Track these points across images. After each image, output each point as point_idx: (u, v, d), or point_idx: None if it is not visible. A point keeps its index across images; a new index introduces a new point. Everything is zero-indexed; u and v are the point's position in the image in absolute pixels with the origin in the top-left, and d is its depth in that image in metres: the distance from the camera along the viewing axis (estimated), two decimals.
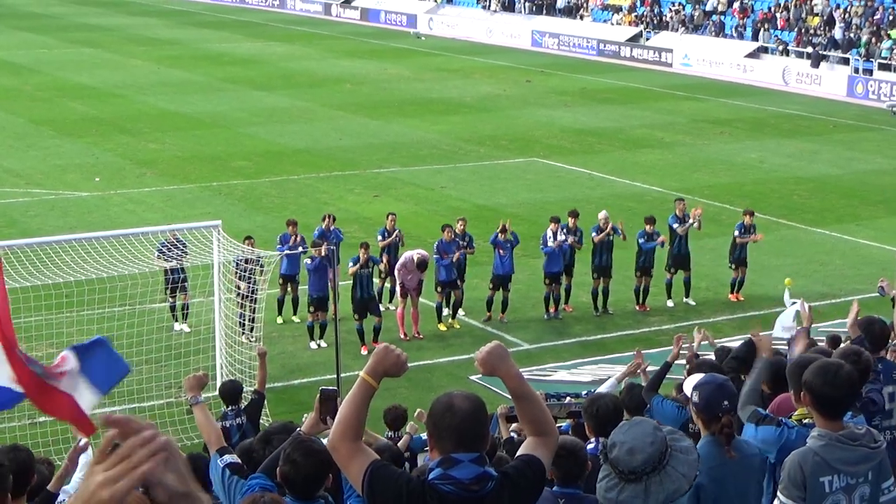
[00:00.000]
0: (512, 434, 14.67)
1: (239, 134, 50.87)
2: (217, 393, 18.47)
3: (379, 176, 43.03)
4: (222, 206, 37.26)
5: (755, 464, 8.90)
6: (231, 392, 17.73)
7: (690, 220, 29.77)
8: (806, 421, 8.48)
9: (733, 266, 30.61)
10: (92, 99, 59.19)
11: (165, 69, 69.86)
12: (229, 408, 17.50)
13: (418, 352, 26.48)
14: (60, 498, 10.46)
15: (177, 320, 27.40)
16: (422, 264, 27.41)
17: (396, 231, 29.07)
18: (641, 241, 29.41)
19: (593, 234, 29.30)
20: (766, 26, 74.34)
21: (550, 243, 28.75)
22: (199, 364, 24.16)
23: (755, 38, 74.23)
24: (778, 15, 74.54)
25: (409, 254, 27.69)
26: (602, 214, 29.58)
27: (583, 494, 9.64)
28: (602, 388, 14.38)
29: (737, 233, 30.42)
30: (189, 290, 27.07)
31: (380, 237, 29.08)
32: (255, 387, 18.04)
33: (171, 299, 27.34)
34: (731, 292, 30.60)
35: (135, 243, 24.54)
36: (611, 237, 29.26)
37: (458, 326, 28.38)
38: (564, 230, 28.96)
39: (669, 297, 29.94)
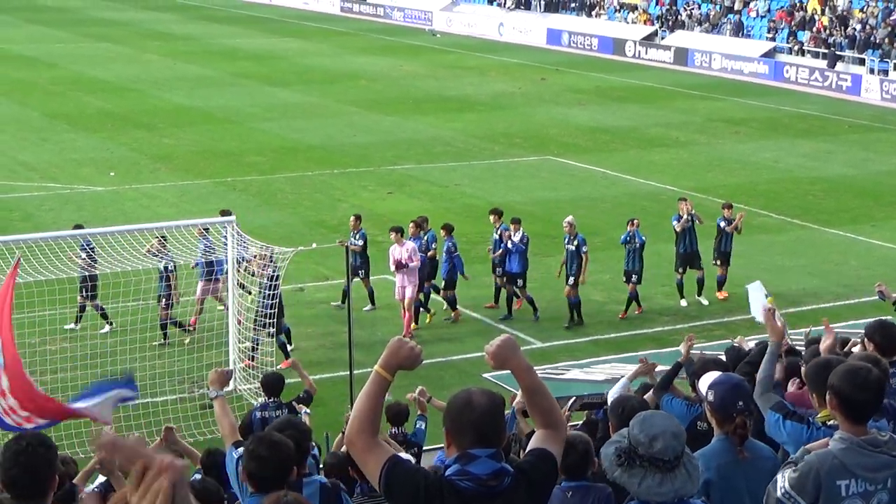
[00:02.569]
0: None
1: (253, 129, 50.90)
2: (257, 384, 18.56)
3: (393, 173, 43.01)
4: (236, 202, 37.24)
5: (768, 466, 8.87)
6: (273, 384, 17.76)
7: (735, 224, 29.69)
8: (830, 423, 8.42)
9: (718, 262, 30.21)
10: (107, 93, 59.26)
11: (180, 64, 69.94)
12: (270, 399, 17.54)
13: (432, 349, 26.44)
14: (82, 495, 10.45)
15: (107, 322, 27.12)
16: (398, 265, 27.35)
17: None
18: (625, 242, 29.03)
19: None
20: (781, 25, 74.22)
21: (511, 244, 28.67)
22: (213, 360, 24.19)
23: (771, 37, 74.10)
24: (794, 14, 74.38)
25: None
26: (568, 219, 28.93)
27: (590, 485, 9.67)
28: (614, 389, 14.33)
29: (722, 224, 30.16)
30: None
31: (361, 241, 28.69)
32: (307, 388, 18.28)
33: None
34: (718, 290, 30.26)
35: (149, 238, 24.56)
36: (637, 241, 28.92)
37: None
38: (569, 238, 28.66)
39: (682, 296, 29.79)
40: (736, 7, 78.61)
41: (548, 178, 42.97)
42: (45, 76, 64.26)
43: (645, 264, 29.20)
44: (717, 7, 79.50)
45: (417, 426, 16.55)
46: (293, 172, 42.71)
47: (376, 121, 53.33)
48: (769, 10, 76.82)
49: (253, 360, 24.52)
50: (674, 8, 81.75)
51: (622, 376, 21.44)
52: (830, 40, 69.83)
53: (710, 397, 8.92)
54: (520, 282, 28.63)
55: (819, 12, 73.44)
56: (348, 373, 23.04)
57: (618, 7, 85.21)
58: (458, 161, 45.35)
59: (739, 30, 75.98)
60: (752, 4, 78.03)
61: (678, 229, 29.71)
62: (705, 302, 29.76)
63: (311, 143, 48.28)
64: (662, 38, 79.07)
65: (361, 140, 48.97)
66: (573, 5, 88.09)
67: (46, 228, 31.10)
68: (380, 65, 71.31)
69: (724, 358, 14.00)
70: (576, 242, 28.20)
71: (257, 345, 24.65)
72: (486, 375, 24.52)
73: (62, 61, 69.97)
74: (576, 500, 9.71)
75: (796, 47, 71.58)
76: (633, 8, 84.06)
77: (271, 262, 25.29)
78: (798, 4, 75.09)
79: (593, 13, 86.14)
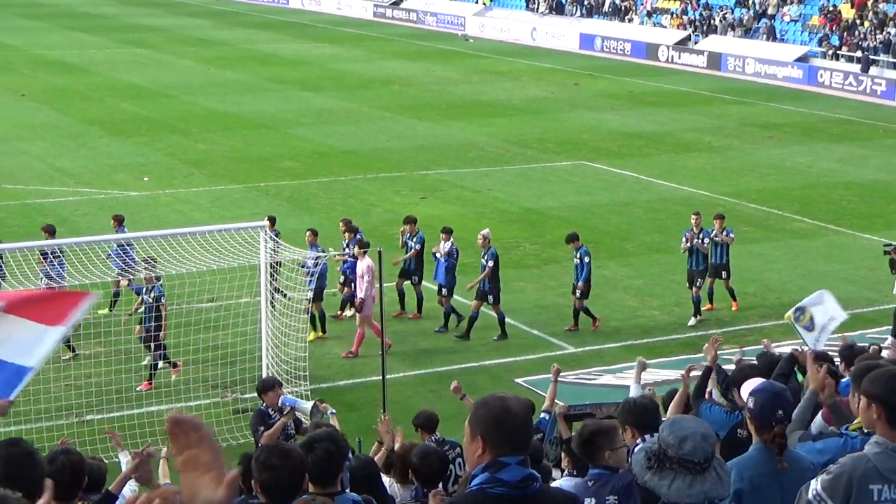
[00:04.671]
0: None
1: (287, 135, 51.05)
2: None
3: (426, 178, 43.07)
4: (270, 207, 37.31)
5: (807, 477, 8.81)
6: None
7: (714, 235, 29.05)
8: (867, 430, 8.37)
9: (711, 275, 29.27)
10: (142, 99, 59.55)
11: (215, 70, 70.21)
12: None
13: (463, 354, 26.49)
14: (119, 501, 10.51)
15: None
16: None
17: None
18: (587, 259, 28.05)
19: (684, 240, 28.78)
20: (815, 30, 73.98)
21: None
22: (245, 364, 24.30)
23: (805, 41, 73.88)
24: (828, 18, 74.13)
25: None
26: (483, 232, 28.29)
27: (611, 473, 9.72)
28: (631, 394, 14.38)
29: (717, 236, 29.19)
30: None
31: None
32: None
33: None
34: (710, 301, 29.56)
35: (182, 243, 24.67)
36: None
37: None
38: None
39: (697, 313, 29.05)
40: (769, 11, 78.38)
41: (581, 183, 42.95)
42: (82, 82, 64.61)
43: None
44: (751, 11, 79.28)
45: None
46: (326, 177, 42.82)
47: (409, 126, 53.41)
48: (802, 15, 76.57)
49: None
50: (707, 13, 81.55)
51: (653, 382, 21.49)
52: (865, 45, 69.55)
53: (751, 404, 8.90)
54: (444, 291, 28.08)
55: (854, 17, 73.14)
56: (381, 378, 23.10)
57: (650, 12, 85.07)
58: (491, 166, 45.37)
59: (773, 34, 75.74)
60: (785, 9, 77.79)
61: (682, 250, 29.26)
62: (692, 322, 28.81)
63: (345, 148, 48.38)
64: (695, 43, 78.90)
65: (394, 145, 49.05)
66: (606, 10, 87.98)
67: (81, 233, 31.28)
68: (413, 70, 71.41)
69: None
70: (487, 256, 27.59)
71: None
72: (518, 380, 24.57)
73: (99, 67, 70.35)
74: (596, 488, 9.75)
75: (830, 52, 71.31)
76: (667, 12, 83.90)
77: (303, 266, 25.43)
78: (832, 9, 74.82)
79: (626, 18, 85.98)
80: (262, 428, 16.93)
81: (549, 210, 38.84)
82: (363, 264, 26.25)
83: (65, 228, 34.19)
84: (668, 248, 32.20)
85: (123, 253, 25.92)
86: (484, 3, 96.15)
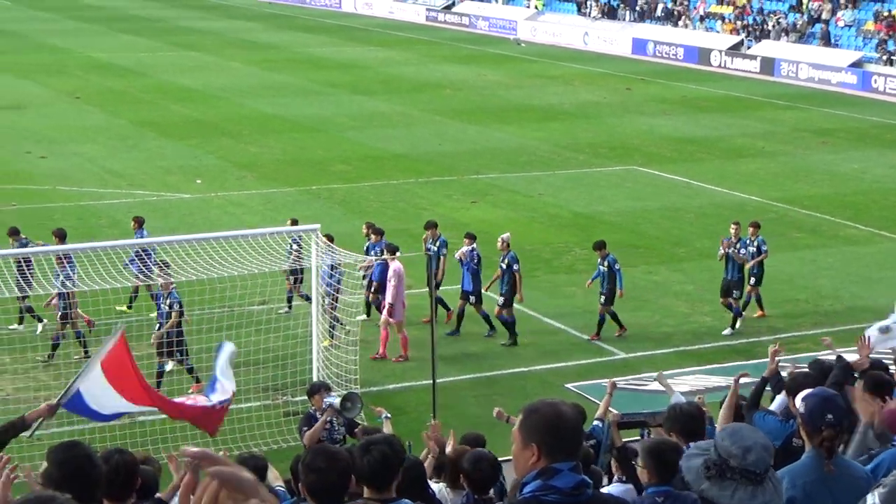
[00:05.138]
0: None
1: (339, 138, 51.17)
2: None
3: (477, 182, 43.06)
4: (321, 210, 37.47)
5: (860, 485, 8.74)
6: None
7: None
8: None
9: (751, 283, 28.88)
10: (194, 102, 59.85)
11: (267, 73, 70.48)
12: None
13: (513, 358, 26.47)
14: None
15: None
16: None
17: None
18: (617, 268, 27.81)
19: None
20: (870, 35, 73.50)
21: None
22: (297, 367, 24.35)
23: (859, 47, 73.42)
24: (883, 24, 73.63)
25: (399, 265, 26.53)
26: (504, 236, 28.07)
27: (677, 492, 9.63)
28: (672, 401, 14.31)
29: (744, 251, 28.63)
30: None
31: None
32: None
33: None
34: (760, 308, 29.22)
35: (235, 246, 24.76)
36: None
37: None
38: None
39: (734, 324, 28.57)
40: (823, 16, 77.92)
41: (632, 189, 42.83)
42: (135, 85, 65.00)
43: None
44: (805, 16, 78.86)
45: None
46: (378, 181, 42.89)
47: (461, 130, 53.42)
48: (857, 20, 76.07)
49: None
50: (760, 17, 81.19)
51: (703, 388, 21.38)
52: None
53: (802, 409, 8.86)
54: (472, 298, 27.80)
55: None
56: (431, 382, 23.10)
57: (703, 16, 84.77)
58: (543, 170, 45.32)
59: (827, 39, 75.28)
60: (840, 14, 77.32)
61: (718, 258, 29.04)
62: (727, 332, 28.41)
63: (396, 151, 48.45)
64: (748, 48, 78.55)
65: (446, 149, 49.08)
66: (659, 15, 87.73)
67: (134, 235, 31.45)
68: (464, 74, 71.44)
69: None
70: (507, 261, 27.39)
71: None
72: (568, 385, 24.53)
73: (151, 70, 70.75)
74: None
75: (885, 57, 70.81)
76: (720, 17, 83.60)
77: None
78: (888, 14, 74.31)
79: (679, 23, 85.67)
80: (305, 428, 17.08)
81: (600, 215, 38.76)
82: (391, 269, 26.16)
83: (117, 231, 34.40)
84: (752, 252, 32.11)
85: (141, 259, 25.95)
86: (536, 8, 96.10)
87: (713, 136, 53.24)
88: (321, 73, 70.36)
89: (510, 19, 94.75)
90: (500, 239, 27.85)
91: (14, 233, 28.17)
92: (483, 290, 27.70)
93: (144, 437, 20.69)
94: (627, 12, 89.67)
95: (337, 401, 16.30)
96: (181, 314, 24.05)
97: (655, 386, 24.35)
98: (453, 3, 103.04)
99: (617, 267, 27.62)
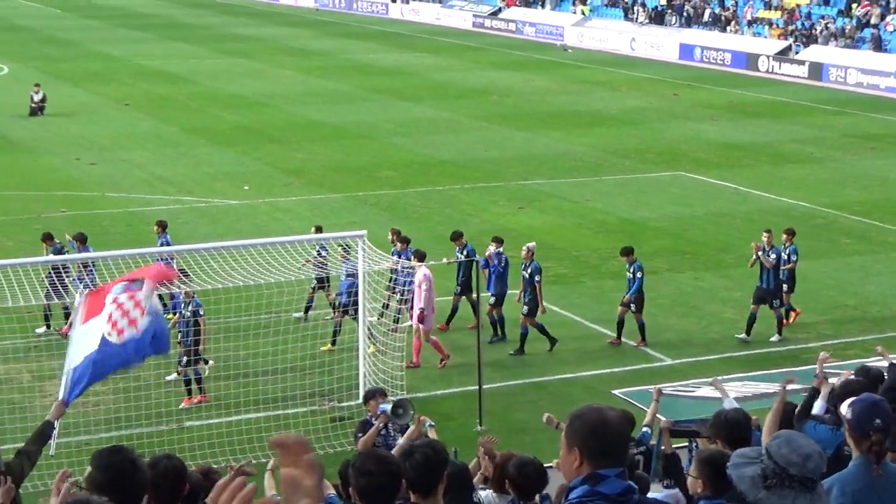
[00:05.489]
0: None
1: (385, 144, 51.27)
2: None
3: (523, 188, 43.05)
4: (368, 216, 37.56)
5: None
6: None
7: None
8: None
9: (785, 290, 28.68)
10: (242, 108, 60.12)
11: (314, 79, 70.71)
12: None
13: (559, 365, 26.45)
14: None
15: None
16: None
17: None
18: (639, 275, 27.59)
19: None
20: None
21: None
22: (343, 373, 24.43)
23: None
24: None
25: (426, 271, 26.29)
26: (530, 245, 27.85)
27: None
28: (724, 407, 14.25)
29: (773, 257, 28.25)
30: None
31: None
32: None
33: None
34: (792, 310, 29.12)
35: (282, 252, 24.87)
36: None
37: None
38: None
39: (747, 331, 28.15)
40: (872, 21, 77.48)
41: (679, 194, 42.71)
42: (184, 92, 65.36)
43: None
44: (854, 21, 78.42)
45: None
46: (424, 187, 42.94)
47: (507, 136, 53.43)
48: None
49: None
50: (808, 22, 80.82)
51: (752, 395, 21.31)
52: None
53: (848, 415, 8.82)
54: (492, 300, 27.69)
55: None
56: (477, 388, 23.13)
57: (751, 21, 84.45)
58: (589, 176, 45.26)
59: (878, 44, 74.82)
60: (889, 18, 76.84)
61: (749, 265, 28.82)
62: (775, 338, 28.13)
63: (443, 157, 48.50)
64: (797, 53, 78.15)
65: (492, 155, 49.09)
66: (706, 20, 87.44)
67: (181, 241, 31.63)
68: (511, 80, 71.44)
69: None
70: (529, 270, 27.15)
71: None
72: (615, 391, 24.48)
73: (200, 77, 71.12)
74: None
75: None
76: (768, 22, 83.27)
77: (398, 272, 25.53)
78: None
79: (728, 28, 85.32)
80: (360, 434, 17.10)
81: (646, 221, 38.67)
82: (420, 274, 26.00)
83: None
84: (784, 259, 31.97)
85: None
86: (583, 13, 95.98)
87: (761, 141, 53.01)
88: (368, 80, 70.52)
89: (557, 25, 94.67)
90: (525, 247, 27.70)
91: (48, 238, 28.28)
92: (516, 301, 27.52)
93: (192, 442, 20.80)
94: (675, 17, 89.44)
95: (389, 407, 16.34)
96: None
97: (704, 392, 24.34)
98: (500, 10, 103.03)
99: (639, 275, 27.39)
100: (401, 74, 73.29)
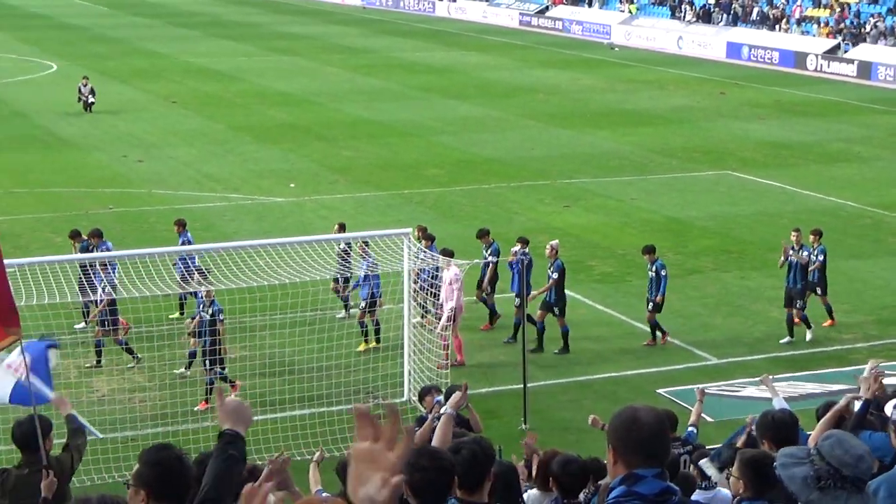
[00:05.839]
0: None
1: (431, 142, 51.30)
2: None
3: (570, 186, 42.98)
4: (414, 214, 37.57)
5: None
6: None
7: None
8: None
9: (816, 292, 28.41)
10: (289, 106, 60.30)
11: (361, 77, 70.83)
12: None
13: (605, 364, 26.41)
14: None
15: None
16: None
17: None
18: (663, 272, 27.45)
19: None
20: None
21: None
22: (388, 371, 24.48)
23: None
24: None
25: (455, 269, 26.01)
26: (553, 243, 27.65)
27: None
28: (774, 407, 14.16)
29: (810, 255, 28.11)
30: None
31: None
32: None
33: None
34: (829, 317, 28.73)
35: (327, 249, 24.93)
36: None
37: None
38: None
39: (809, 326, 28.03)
40: None
41: (726, 193, 42.54)
42: (231, 90, 65.62)
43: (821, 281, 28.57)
44: None
45: None
46: (470, 185, 42.94)
47: (554, 134, 53.36)
48: None
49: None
50: (857, 21, 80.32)
51: (798, 395, 21.21)
52: None
53: (894, 416, 8.78)
54: (517, 301, 27.33)
55: None
56: (522, 386, 23.12)
57: (800, 20, 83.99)
58: (635, 175, 45.15)
59: None
60: None
61: (779, 265, 28.55)
62: (785, 340, 27.74)
63: (489, 156, 48.48)
64: (845, 52, 77.68)
65: (539, 153, 49.04)
66: (754, 19, 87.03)
67: (227, 238, 31.80)
68: (558, 78, 71.35)
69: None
70: (553, 268, 26.87)
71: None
72: (660, 391, 24.42)
73: (247, 75, 71.38)
74: None
75: None
76: (816, 21, 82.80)
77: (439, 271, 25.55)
78: None
79: (777, 27, 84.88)
80: (417, 430, 17.12)
81: (692, 220, 38.54)
82: (450, 273, 25.81)
83: (212, 234, 34.77)
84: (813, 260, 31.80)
85: (185, 264, 26.05)
86: (630, 12, 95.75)
87: (808, 140, 52.73)
88: (415, 78, 70.60)
89: (604, 24, 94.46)
90: (548, 246, 27.53)
91: (75, 235, 28.41)
92: (529, 299, 27.32)
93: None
94: (722, 16, 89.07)
95: (443, 398, 16.35)
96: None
97: (749, 392, 24.25)
98: (547, 8, 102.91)
99: (664, 273, 27.27)
100: (447, 72, 73.32)
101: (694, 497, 12.16)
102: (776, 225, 37.79)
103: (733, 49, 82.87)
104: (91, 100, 57.14)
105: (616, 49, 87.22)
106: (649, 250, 27.72)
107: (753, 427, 13.92)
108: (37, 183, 42.64)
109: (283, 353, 25.04)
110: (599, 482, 11.74)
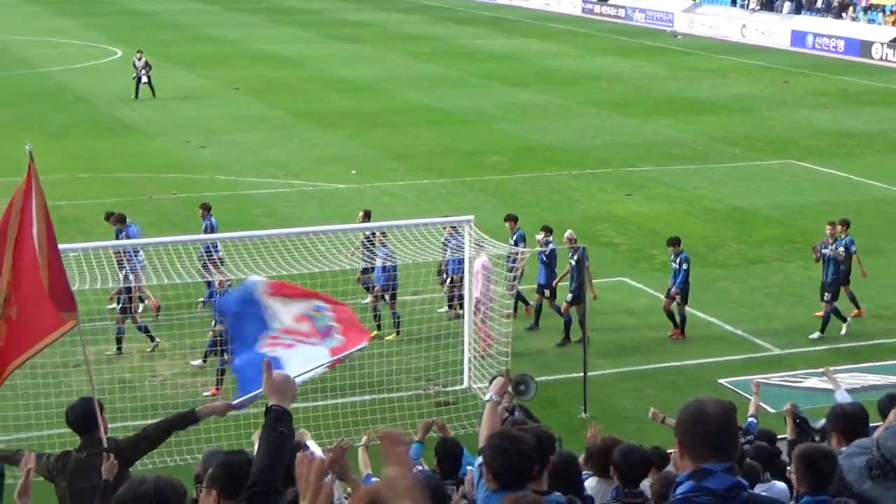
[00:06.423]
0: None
1: (493, 130, 51.24)
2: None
3: (631, 175, 42.82)
4: (475, 202, 37.56)
5: None
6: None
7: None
8: None
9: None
10: (351, 93, 60.40)
11: (422, 64, 70.85)
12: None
13: (664, 353, 26.30)
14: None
15: None
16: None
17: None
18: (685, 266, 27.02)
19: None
20: None
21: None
22: (448, 358, 24.50)
23: None
24: None
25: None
26: (568, 234, 27.11)
27: (832, 500, 9.43)
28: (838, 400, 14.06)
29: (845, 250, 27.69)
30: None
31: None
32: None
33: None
34: (856, 307, 28.33)
35: (389, 237, 24.96)
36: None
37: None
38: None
39: (843, 320, 27.63)
40: None
41: (789, 183, 42.25)
42: (294, 76, 65.83)
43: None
44: None
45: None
46: (531, 173, 42.86)
47: (615, 122, 53.18)
48: None
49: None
50: None
51: (860, 387, 21.04)
52: None
53: None
54: (547, 293, 27.41)
55: None
56: (582, 375, 23.08)
57: (866, 8, 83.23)
58: (698, 164, 44.92)
59: None
60: None
61: (815, 260, 28.15)
62: (815, 336, 27.41)
63: (551, 143, 48.39)
64: None
65: (600, 141, 48.89)
66: (819, 7, 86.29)
67: (289, 224, 31.89)
68: (620, 66, 71.06)
69: None
70: (576, 258, 26.41)
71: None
72: (721, 381, 24.30)
73: (310, 61, 71.58)
74: None
75: None
76: (882, 9, 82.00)
77: (509, 260, 25.50)
78: None
79: (843, 14, 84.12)
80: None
81: (756, 209, 38.30)
82: (478, 263, 25.59)
83: (274, 220, 34.91)
84: (878, 251, 31.51)
85: (208, 252, 26.08)
86: (693, 0, 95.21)
87: (874, 130, 52.25)
88: (476, 65, 70.54)
89: (667, 11, 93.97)
90: (565, 237, 27.05)
91: (119, 220, 28.38)
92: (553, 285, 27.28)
93: (297, 424, 20.90)
94: (786, 4, 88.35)
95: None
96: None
97: (811, 383, 24.09)
98: None
99: (685, 266, 26.87)
100: (509, 60, 73.21)
101: (763, 488, 12.08)
102: (840, 214, 37.33)
103: (797, 37, 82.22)
104: (144, 78, 57.17)
105: (678, 37, 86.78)
106: (674, 242, 27.40)
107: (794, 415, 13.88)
108: (101, 168, 42.98)
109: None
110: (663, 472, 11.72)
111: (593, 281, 26.62)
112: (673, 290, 26.97)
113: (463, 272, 25.39)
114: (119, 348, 25.40)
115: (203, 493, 8.25)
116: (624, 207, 38.06)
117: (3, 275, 11.89)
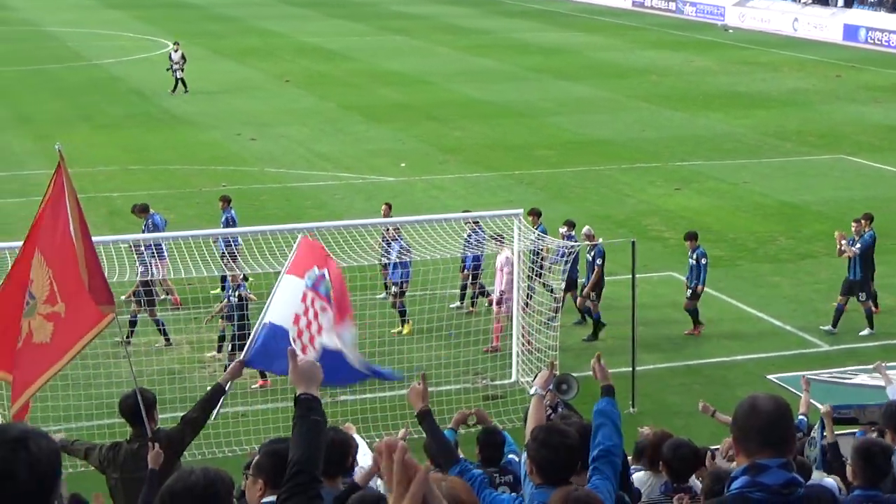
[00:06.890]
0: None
1: (542, 123, 51.18)
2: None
3: (681, 169, 42.67)
4: (524, 195, 37.52)
5: None
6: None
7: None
8: None
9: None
10: (400, 86, 60.46)
11: (472, 57, 70.83)
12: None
13: (713, 349, 26.19)
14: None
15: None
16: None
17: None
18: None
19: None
20: None
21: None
22: (497, 352, 24.50)
23: None
24: None
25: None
26: (585, 230, 26.97)
27: (884, 496, 9.39)
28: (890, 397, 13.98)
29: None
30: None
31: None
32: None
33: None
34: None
35: (438, 229, 24.98)
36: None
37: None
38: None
39: (833, 324, 27.20)
40: None
41: (840, 178, 41.98)
42: (343, 69, 65.97)
43: None
44: None
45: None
46: (580, 167, 42.77)
47: (666, 116, 52.99)
48: None
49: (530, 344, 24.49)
50: None
51: None
52: None
53: None
54: (563, 284, 26.86)
55: None
56: (630, 369, 23.03)
57: None
58: (748, 158, 44.69)
59: None
60: None
61: (838, 254, 27.75)
62: (865, 332, 27.01)
63: (600, 137, 48.28)
64: None
65: (650, 135, 48.73)
66: (872, 1, 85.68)
67: (338, 217, 31.96)
68: (671, 60, 70.80)
69: None
70: (593, 254, 26.38)
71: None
72: (770, 377, 24.19)
73: (359, 54, 71.70)
74: None
75: None
76: None
77: (560, 254, 25.47)
78: None
79: (894, 7, 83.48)
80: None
81: (806, 205, 38.09)
82: (501, 257, 25.55)
83: (323, 212, 35.01)
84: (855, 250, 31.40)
85: (227, 244, 26.10)
86: None
87: None
88: (526, 59, 70.46)
89: (718, 5, 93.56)
90: (583, 234, 26.87)
91: (143, 209, 28.40)
92: (585, 293, 26.94)
93: (345, 416, 20.98)
94: None
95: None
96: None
97: (862, 379, 23.92)
98: None
99: (704, 262, 26.62)
100: (559, 53, 73.09)
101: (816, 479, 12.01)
102: (892, 211, 37.22)
103: (850, 31, 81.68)
104: (179, 73, 57.22)
105: (729, 31, 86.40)
106: (691, 237, 27.13)
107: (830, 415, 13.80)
108: (152, 160, 43.21)
109: (390, 333, 25.17)
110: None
111: (643, 275, 26.52)
112: (699, 287, 26.68)
113: (480, 267, 25.65)
114: (167, 339, 25.50)
115: (249, 481, 8.27)
116: (674, 202, 37.93)
117: (44, 272, 11.99)
